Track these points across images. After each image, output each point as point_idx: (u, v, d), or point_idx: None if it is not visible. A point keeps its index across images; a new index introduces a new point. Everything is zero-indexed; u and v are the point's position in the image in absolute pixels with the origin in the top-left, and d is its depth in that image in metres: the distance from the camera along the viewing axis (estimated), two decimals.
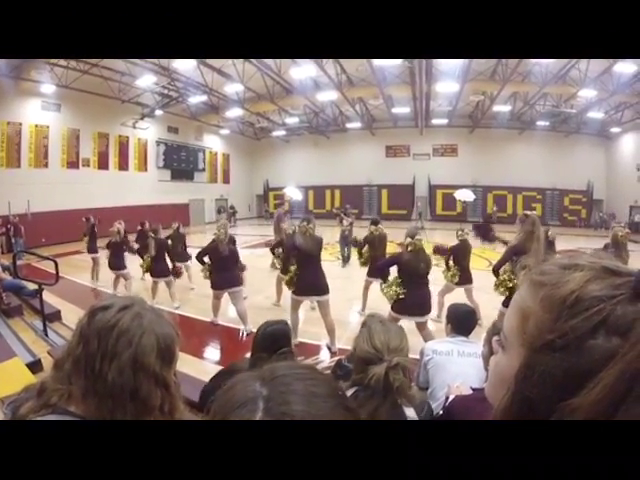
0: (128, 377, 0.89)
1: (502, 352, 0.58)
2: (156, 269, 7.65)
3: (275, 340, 2.30)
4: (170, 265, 7.71)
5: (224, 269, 6.19)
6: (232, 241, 6.70)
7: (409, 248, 5.05)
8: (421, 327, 5.14)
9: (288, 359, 1.69)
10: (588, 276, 0.49)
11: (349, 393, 1.64)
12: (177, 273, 7.87)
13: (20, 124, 16.06)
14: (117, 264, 8.24)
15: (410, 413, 1.64)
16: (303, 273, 5.48)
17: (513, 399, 0.50)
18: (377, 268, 6.00)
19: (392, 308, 5.14)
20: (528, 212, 5.17)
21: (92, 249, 9.44)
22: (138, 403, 0.89)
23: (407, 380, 1.61)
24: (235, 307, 6.29)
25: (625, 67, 14.00)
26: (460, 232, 6.86)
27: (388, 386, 1.55)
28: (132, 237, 9.61)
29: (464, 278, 6.69)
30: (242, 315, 6.22)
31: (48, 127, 17.12)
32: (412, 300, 5.04)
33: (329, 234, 7.88)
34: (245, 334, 6.09)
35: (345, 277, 9.35)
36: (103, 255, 9.11)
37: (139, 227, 10.16)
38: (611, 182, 24.42)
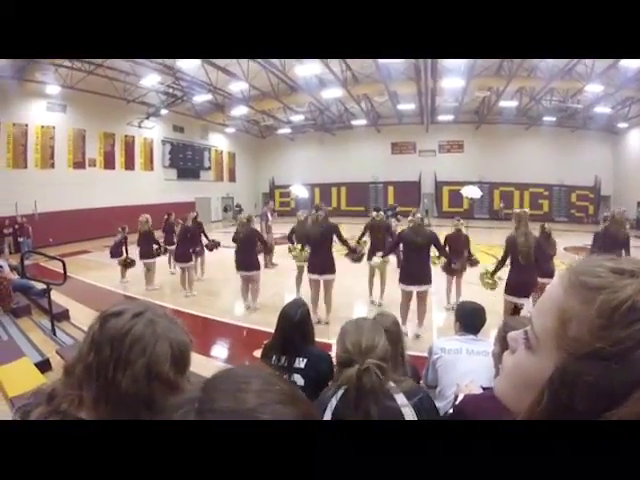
0: (142, 385, 0.86)
1: (528, 352, 0.56)
2: (177, 254, 8.29)
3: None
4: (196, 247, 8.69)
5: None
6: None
7: (410, 224, 5.92)
8: (421, 297, 5.93)
9: None
10: None
11: (339, 393, 1.69)
12: (213, 247, 8.99)
13: (26, 125, 16.09)
14: (147, 253, 8.56)
15: (400, 399, 1.65)
16: (311, 254, 6.50)
17: (548, 405, 0.48)
18: (389, 248, 6.79)
19: (399, 280, 6.01)
20: (518, 210, 5.64)
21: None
22: (153, 411, 0.86)
23: (382, 379, 1.60)
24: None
25: (631, 62, 13.82)
26: (456, 222, 7.54)
27: (361, 388, 1.58)
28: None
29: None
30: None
31: (54, 128, 17.16)
32: (411, 270, 5.87)
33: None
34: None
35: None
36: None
37: (165, 217, 10.80)
38: (618, 178, 24.20)
